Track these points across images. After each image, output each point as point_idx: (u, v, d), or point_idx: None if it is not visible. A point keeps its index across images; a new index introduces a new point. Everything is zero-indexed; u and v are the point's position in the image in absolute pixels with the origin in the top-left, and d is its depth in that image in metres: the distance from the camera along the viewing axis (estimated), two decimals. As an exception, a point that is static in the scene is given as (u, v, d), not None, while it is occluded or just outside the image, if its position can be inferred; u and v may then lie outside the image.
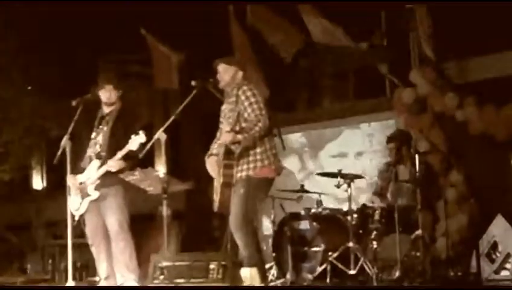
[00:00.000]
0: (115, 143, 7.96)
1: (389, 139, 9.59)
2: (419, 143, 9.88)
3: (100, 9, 14.83)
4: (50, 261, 16.35)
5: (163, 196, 7.73)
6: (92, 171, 7.99)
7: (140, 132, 7.69)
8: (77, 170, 8.13)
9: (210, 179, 7.66)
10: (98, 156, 8.02)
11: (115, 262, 7.97)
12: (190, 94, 7.77)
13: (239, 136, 7.11)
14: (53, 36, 15.89)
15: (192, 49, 12.73)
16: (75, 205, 8.10)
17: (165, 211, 7.77)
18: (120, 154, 7.76)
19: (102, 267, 8.12)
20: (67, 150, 7.97)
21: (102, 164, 7.92)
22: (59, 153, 8.01)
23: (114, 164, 7.80)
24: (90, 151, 8.12)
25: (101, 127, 8.17)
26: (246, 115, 7.19)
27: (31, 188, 22.12)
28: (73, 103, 8.15)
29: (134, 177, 7.79)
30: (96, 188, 7.96)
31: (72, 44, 16.27)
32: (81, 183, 8.05)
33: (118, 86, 8.26)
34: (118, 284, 7.88)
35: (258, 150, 7.22)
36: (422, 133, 10.27)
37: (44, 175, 21.94)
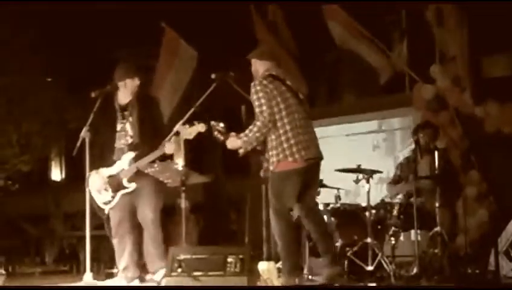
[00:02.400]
0: (146, 131, 8.03)
1: (414, 132, 9.52)
2: (438, 139, 9.84)
3: (120, 4, 14.88)
4: (68, 252, 16.44)
5: (182, 188, 7.74)
6: (125, 163, 8.01)
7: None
8: (100, 163, 8.14)
9: (228, 173, 7.68)
10: (132, 147, 8.05)
11: (146, 251, 8.05)
12: (210, 87, 7.80)
13: (238, 142, 7.28)
14: (73, 28, 15.96)
15: (212, 43, 12.76)
16: (104, 198, 8.13)
17: (183, 203, 7.78)
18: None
19: (123, 258, 8.14)
20: (87, 141, 7.99)
21: (140, 154, 7.95)
22: (78, 144, 8.03)
23: (171, 147, 7.81)
24: (121, 144, 8.13)
25: (124, 119, 8.17)
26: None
27: (50, 179, 22.24)
28: (93, 95, 8.15)
29: (153, 169, 7.80)
30: (130, 180, 7.99)
31: (91, 36, 16.33)
32: (110, 176, 8.07)
33: (139, 75, 8.29)
34: (151, 272, 7.93)
35: (273, 145, 7.22)
36: (442, 129, 10.23)
37: (63, 167, 22.05)
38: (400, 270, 8.38)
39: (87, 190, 8.07)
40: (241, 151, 7.35)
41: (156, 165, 7.80)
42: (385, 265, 8.13)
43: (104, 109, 8.23)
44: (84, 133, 7.99)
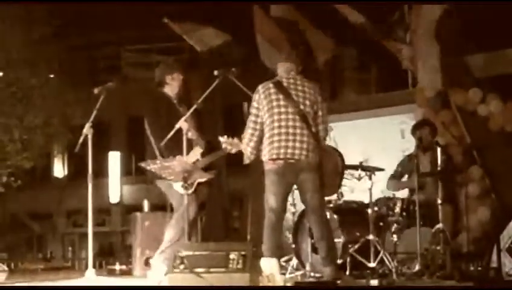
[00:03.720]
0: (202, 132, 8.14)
1: (414, 129, 9.52)
2: (440, 136, 9.84)
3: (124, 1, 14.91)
4: (70, 248, 16.48)
5: (184, 185, 7.75)
6: (196, 157, 8.07)
7: None
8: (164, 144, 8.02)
9: (230, 169, 7.71)
10: (199, 142, 8.12)
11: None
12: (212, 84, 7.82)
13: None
14: (77, 25, 16.00)
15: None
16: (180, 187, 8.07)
17: (185, 200, 7.79)
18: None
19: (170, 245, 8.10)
20: (89, 138, 7.99)
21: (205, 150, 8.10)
22: (80, 141, 8.03)
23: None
24: (188, 136, 8.10)
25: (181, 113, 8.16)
26: None
27: (53, 176, 22.28)
28: (95, 91, 8.16)
29: (156, 165, 7.81)
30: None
31: (95, 33, 16.36)
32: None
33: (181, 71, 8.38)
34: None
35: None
36: (444, 127, 10.23)
37: (66, 163, 22.08)
38: (402, 267, 8.38)
39: (89, 186, 8.07)
40: (245, 157, 7.65)
41: (158, 162, 7.80)
42: (387, 262, 8.14)
43: (159, 96, 8.32)
44: (87, 130, 8.00)
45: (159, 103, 8.31)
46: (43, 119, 16.16)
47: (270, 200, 7.41)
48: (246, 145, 7.53)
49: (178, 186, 8.09)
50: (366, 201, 8.70)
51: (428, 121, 9.83)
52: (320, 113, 7.54)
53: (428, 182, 9.06)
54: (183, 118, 7.87)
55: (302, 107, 7.43)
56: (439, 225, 8.39)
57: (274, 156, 7.35)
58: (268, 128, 7.41)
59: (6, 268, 9.12)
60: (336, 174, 7.76)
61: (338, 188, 8.04)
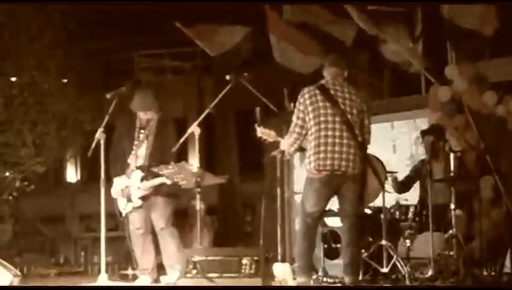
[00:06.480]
0: (156, 156, 8.19)
1: (424, 133, 9.48)
2: (453, 141, 9.79)
3: (136, 5, 14.93)
4: (83, 253, 16.46)
5: (197, 190, 7.76)
6: (136, 181, 8.19)
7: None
8: (115, 171, 8.35)
9: (243, 174, 7.70)
10: (142, 168, 8.22)
11: (164, 255, 8.22)
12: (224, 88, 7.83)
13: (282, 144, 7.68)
14: (90, 30, 16.03)
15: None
16: (122, 205, 8.32)
17: (198, 205, 7.79)
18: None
19: (148, 260, 8.31)
20: (102, 143, 8.01)
21: (145, 176, 8.16)
22: (93, 145, 8.05)
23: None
24: (133, 164, 8.28)
25: (140, 140, 8.28)
26: None
27: (65, 180, 22.32)
28: (108, 96, 8.19)
29: (168, 170, 7.82)
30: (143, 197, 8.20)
31: (108, 38, 16.39)
32: (126, 187, 8.20)
33: (156, 107, 8.38)
34: (169, 276, 8.07)
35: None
36: (457, 131, 10.18)
37: (79, 168, 22.12)
38: (415, 272, 8.35)
39: (102, 190, 8.08)
40: (286, 153, 7.76)
41: (170, 167, 7.82)
42: (400, 267, 8.11)
43: (125, 115, 8.38)
44: (99, 135, 8.02)
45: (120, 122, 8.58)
46: (56, 124, 16.19)
47: (309, 205, 7.33)
48: (289, 146, 7.50)
49: (121, 204, 8.27)
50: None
51: (438, 126, 9.79)
52: (366, 122, 7.45)
53: (441, 187, 9.02)
54: (195, 123, 7.88)
55: (349, 116, 7.31)
56: (452, 230, 8.36)
57: (320, 168, 7.25)
58: (314, 136, 7.29)
59: (19, 273, 9.10)
60: (377, 186, 7.73)
61: (376, 197, 8.04)
